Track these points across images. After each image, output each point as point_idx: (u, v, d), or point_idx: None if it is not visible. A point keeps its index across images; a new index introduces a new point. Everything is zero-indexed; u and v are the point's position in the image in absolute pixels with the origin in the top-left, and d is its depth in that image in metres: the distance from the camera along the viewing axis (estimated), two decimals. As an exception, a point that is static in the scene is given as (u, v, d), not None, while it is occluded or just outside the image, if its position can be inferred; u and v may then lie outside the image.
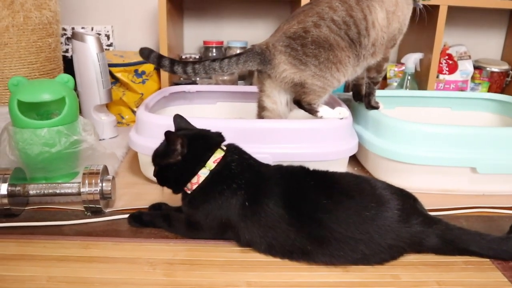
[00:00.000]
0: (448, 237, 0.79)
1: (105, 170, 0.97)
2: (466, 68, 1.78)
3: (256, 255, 0.79)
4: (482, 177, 1.06)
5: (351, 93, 1.56)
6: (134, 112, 1.57)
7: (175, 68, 1.05)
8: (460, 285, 0.74)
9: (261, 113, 1.11)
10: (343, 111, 1.08)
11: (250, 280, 0.73)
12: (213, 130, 0.85)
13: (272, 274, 0.74)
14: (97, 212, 0.93)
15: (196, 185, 0.79)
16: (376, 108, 1.18)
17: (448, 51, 1.78)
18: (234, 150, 0.83)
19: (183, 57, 1.68)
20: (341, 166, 1.11)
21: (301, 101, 1.05)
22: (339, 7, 1.02)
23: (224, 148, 0.82)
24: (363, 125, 1.21)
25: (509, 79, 1.85)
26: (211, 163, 0.79)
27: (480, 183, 1.08)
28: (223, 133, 0.84)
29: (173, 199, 0.90)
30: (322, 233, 0.75)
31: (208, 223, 0.80)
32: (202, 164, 0.79)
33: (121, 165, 1.22)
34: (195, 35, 1.81)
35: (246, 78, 1.72)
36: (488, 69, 1.82)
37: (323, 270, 0.75)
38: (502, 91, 1.85)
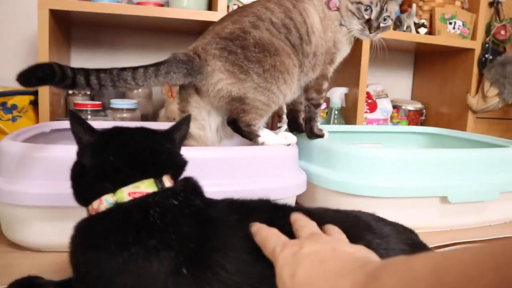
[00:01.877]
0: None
1: None
2: (385, 106, 1.72)
3: None
4: (453, 207, 0.90)
5: (277, 130, 1.37)
6: (-1, 159, 1.17)
7: (77, 78, 0.67)
8: None
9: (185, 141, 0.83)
10: (289, 135, 0.86)
11: None
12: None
13: None
14: None
15: (94, 213, 0.49)
16: (321, 136, 0.98)
17: (366, 89, 1.71)
18: (177, 192, 0.52)
19: (70, 92, 1.34)
20: (289, 207, 0.86)
21: (239, 121, 0.80)
22: (276, 9, 0.83)
23: (165, 184, 0.52)
24: (306, 159, 0.99)
25: (423, 117, 1.84)
26: (124, 194, 0.49)
27: (450, 216, 0.92)
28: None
29: (54, 273, 0.56)
30: None
31: None
32: (109, 188, 0.49)
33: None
34: (86, 65, 1.48)
35: (149, 117, 1.43)
36: (404, 107, 1.79)
37: None
38: (418, 130, 1.83)
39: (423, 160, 0.89)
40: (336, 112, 1.47)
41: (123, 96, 1.42)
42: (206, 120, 0.82)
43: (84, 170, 0.50)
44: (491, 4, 1.60)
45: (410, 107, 1.79)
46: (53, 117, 1.22)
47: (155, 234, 0.47)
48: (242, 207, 0.55)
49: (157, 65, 0.73)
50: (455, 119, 1.69)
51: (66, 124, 1.07)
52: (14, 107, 1.18)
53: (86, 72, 0.68)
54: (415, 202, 0.89)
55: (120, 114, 1.28)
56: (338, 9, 0.90)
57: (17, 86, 1.27)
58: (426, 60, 1.86)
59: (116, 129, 0.54)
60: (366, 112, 1.67)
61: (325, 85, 0.95)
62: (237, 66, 0.76)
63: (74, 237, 0.49)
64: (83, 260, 0.47)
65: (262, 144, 0.82)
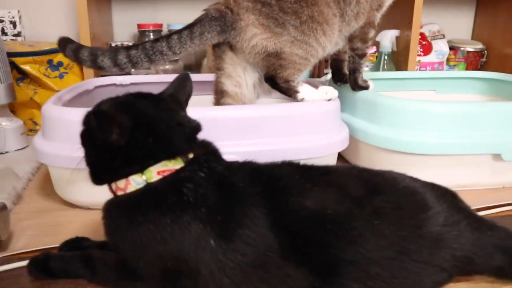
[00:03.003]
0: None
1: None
2: (441, 48, 1.59)
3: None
4: (507, 165, 0.84)
5: (323, 77, 1.31)
6: (51, 115, 1.22)
7: (99, 60, 0.71)
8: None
9: (220, 100, 0.81)
10: (330, 90, 0.81)
11: None
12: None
13: None
14: (-23, 261, 0.59)
15: (121, 193, 0.50)
16: (365, 88, 0.93)
17: (420, 30, 1.58)
18: (201, 162, 0.52)
19: (113, 45, 1.35)
20: (330, 163, 0.84)
21: (276, 78, 0.76)
22: None
23: (190, 156, 0.52)
24: (350, 112, 0.95)
25: (484, 59, 1.69)
26: (153, 173, 0.49)
27: (503, 173, 0.86)
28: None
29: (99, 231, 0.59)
30: (330, 260, 0.48)
31: (143, 266, 0.49)
32: (137, 168, 0.49)
33: (29, 185, 0.87)
34: (127, 19, 1.48)
35: (192, 68, 1.42)
36: (463, 49, 1.65)
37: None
38: (477, 72, 1.69)
39: (475, 114, 0.82)
40: (386, 57, 1.38)
41: (164, 47, 1.40)
42: (242, 77, 0.79)
43: (103, 148, 0.49)
44: None
45: (469, 48, 1.65)
46: (98, 71, 1.24)
47: (188, 210, 0.48)
48: (267, 177, 0.53)
49: (190, 27, 0.71)
50: (518, 61, 1.54)
51: (108, 80, 1.09)
52: (60, 64, 1.20)
53: (115, 51, 0.67)
54: (465, 159, 0.83)
55: (163, 66, 1.27)
56: None
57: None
58: (491, -6, 1.68)
59: (140, 108, 0.51)
60: (419, 55, 1.56)
61: (372, 33, 0.88)
62: (272, 19, 0.72)
63: (108, 219, 0.51)
64: (122, 238, 0.49)
65: (302, 100, 0.79)
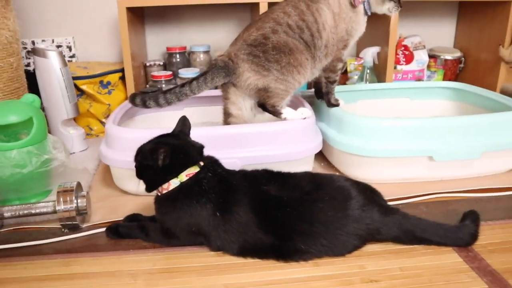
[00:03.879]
0: (406, 226, 0.85)
1: (79, 186, 0.98)
2: (421, 57, 1.86)
3: (231, 258, 0.84)
4: (438, 164, 1.14)
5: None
6: (102, 123, 1.58)
7: (148, 103, 1.06)
8: (420, 269, 0.80)
9: (227, 119, 1.14)
10: (305, 111, 1.13)
11: (227, 282, 0.77)
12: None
13: (247, 275, 0.79)
14: (75, 228, 0.95)
15: (166, 191, 0.84)
16: (337, 105, 1.24)
17: (403, 42, 1.85)
18: (209, 166, 0.87)
19: (147, 64, 1.69)
20: (307, 163, 1.16)
21: (266, 104, 1.09)
22: (292, 13, 1.07)
23: (202, 163, 0.86)
24: (326, 122, 1.26)
25: (462, 65, 1.95)
26: (184, 176, 0.84)
27: (437, 170, 1.16)
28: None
29: (147, 210, 0.94)
30: (287, 230, 0.81)
31: (178, 230, 0.84)
32: (175, 175, 0.84)
33: (94, 178, 1.24)
34: (158, 42, 1.82)
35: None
36: (442, 57, 1.91)
37: (295, 267, 0.81)
38: (456, 77, 1.95)
39: (413, 127, 1.12)
40: (368, 70, 1.68)
41: (188, 65, 1.74)
42: (242, 103, 1.12)
43: (154, 169, 0.83)
44: (531, -46, 1.62)
45: (448, 57, 1.91)
46: (137, 87, 1.58)
47: (204, 195, 0.82)
48: (251, 178, 0.87)
49: (204, 74, 1.04)
50: (489, 69, 1.79)
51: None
52: (109, 83, 1.56)
53: (156, 95, 1.02)
54: (407, 160, 1.14)
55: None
56: (361, 3, 1.12)
57: (105, 60, 1.66)
58: (469, 8, 1.92)
59: (170, 142, 0.85)
60: (402, 64, 1.83)
61: (340, 65, 1.19)
62: (260, 66, 1.04)
63: (158, 205, 0.86)
64: (167, 217, 0.85)
65: (285, 119, 1.11)
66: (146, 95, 1.05)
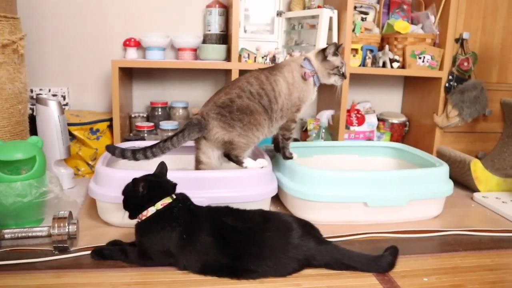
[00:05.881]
0: (335, 255, 1.08)
1: (71, 215, 1.18)
2: (371, 120, 2.16)
3: (194, 276, 1.03)
4: (372, 209, 1.38)
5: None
6: (89, 165, 1.78)
7: (137, 156, 1.27)
8: (344, 288, 1.02)
9: (198, 166, 1.38)
10: (263, 162, 1.38)
11: (189, 293, 0.97)
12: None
13: (206, 288, 0.99)
14: (64, 250, 1.14)
15: (144, 217, 1.05)
16: (290, 158, 1.49)
17: (356, 107, 2.16)
18: (180, 199, 1.09)
19: (133, 115, 1.93)
20: (264, 205, 1.38)
21: (230, 155, 1.33)
22: (254, 82, 1.35)
23: (174, 196, 1.09)
24: (282, 172, 1.51)
25: (407, 128, 2.26)
26: (159, 205, 1.05)
27: (371, 215, 1.40)
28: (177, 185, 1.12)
29: (126, 238, 1.14)
30: (240, 253, 1.02)
31: (153, 251, 1.04)
32: (152, 204, 1.05)
33: (80, 211, 1.43)
34: (143, 96, 2.07)
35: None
36: (389, 121, 2.22)
37: (245, 283, 1.01)
38: (402, 138, 2.25)
39: (351, 178, 1.37)
40: (323, 129, 1.95)
41: (168, 118, 1.98)
42: (211, 153, 1.36)
43: (136, 199, 1.05)
44: (457, 40, 1.98)
45: (395, 121, 2.22)
46: (123, 135, 1.81)
47: (175, 220, 1.04)
48: (213, 210, 1.10)
49: (182, 131, 1.28)
50: (428, 132, 2.10)
51: (129, 144, 1.65)
52: (98, 130, 1.78)
53: (144, 150, 1.25)
54: (346, 205, 1.38)
55: (166, 133, 1.84)
56: (311, 76, 1.40)
57: (94, 110, 1.87)
58: (412, 81, 2.26)
59: (149, 178, 1.08)
60: (354, 125, 2.12)
61: (293, 125, 1.46)
62: (226, 123, 1.30)
63: (138, 229, 1.06)
64: (144, 238, 1.05)
65: (246, 167, 1.35)
66: (135, 149, 1.26)
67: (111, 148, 1.29)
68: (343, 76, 1.45)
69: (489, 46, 2.03)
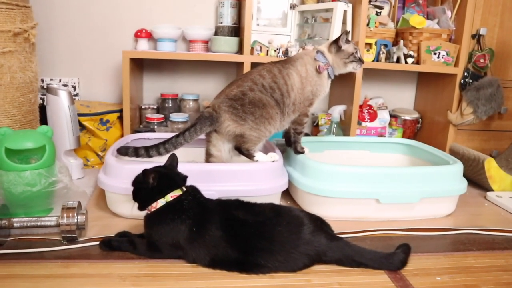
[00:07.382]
0: (347, 251, 1.06)
1: (80, 205, 1.17)
2: (383, 116, 2.13)
3: (203, 269, 1.02)
4: (384, 206, 1.36)
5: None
6: (98, 155, 1.78)
7: (151, 153, 1.23)
8: (355, 285, 1.00)
9: (208, 159, 1.36)
10: (274, 155, 1.36)
11: (199, 287, 0.95)
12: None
13: (215, 281, 0.98)
14: (73, 240, 1.13)
15: (154, 209, 1.04)
16: (302, 153, 1.46)
17: (368, 103, 2.13)
18: (190, 191, 1.08)
19: (143, 107, 1.92)
20: (275, 200, 1.37)
21: (241, 148, 1.31)
22: (266, 75, 1.32)
23: (184, 189, 1.07)
24: (293, 167, 1.48)
25: (419, 125, 2.22)
26: (169, 197, 1.04)
27: (383, 212, 1.37)
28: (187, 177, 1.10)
29: (134, 229, 1.13)
30: (250, 247, 1.00)
31: (162, 243, 1.03)
32: (162, 196, 1.04)
33: (89, 202, 1.42)
34: (153, 88, 2.06)
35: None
36: (402, 117, 2.19)
37: (254, 278, 1.00)
38: (414, 135, 2.22)
39: (363, 174, 1.35)
40: (335, 125, 1.93)
41: (179, 110, 1.97)
42: (221, 146, 1.34)
43: (146, 190, 1.04)
44: (473, 36, 1.94)
45: (407, 117, 2.18)
46: (133, 126, 1.80)
47: (184, 213, 1.02)
48: (224, 204, 1.08)
49: (193, 125, 1.26)
50: (441, 129, 2.06)
51: (140, 135, 1.64)
52: (108, 121, 1.77)
53: (157, 146, 1.22)
54: (358, 201, 1.35)
55: (176, 125, 1.83)
56: (326, 69, 1.38)
57: (104, 101, 1.87)
58: (426, 77, 2.22)
59: (160, 170, 1.07)
60: (366, 121, 2.10)
61: (305, 120, 1.43)
62: (238, 116, 1.28)
63: (147, 221, 1.05)
64: (153, 230, 1.03)
65: (257, 161, 1.33)
66: (148, 147, 1.23)
67: (123, 150, 1.24)
68: (360, 61, 1.43)
69: (506, 42, 1.99)
